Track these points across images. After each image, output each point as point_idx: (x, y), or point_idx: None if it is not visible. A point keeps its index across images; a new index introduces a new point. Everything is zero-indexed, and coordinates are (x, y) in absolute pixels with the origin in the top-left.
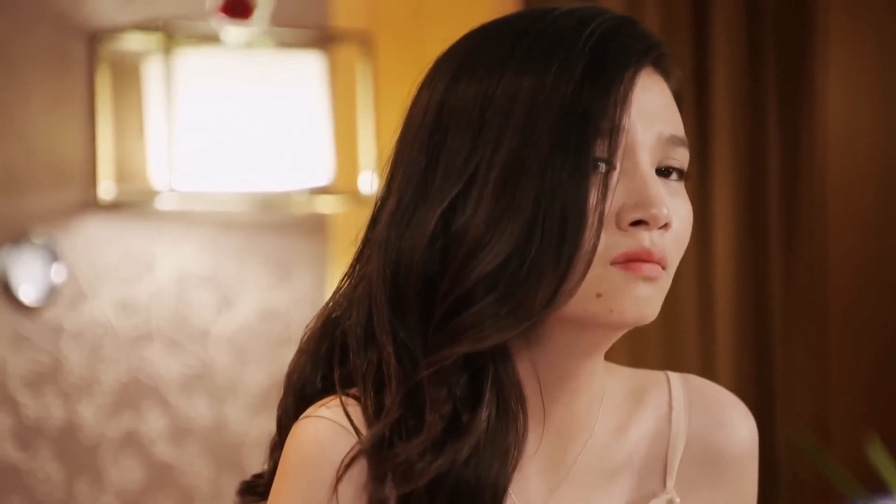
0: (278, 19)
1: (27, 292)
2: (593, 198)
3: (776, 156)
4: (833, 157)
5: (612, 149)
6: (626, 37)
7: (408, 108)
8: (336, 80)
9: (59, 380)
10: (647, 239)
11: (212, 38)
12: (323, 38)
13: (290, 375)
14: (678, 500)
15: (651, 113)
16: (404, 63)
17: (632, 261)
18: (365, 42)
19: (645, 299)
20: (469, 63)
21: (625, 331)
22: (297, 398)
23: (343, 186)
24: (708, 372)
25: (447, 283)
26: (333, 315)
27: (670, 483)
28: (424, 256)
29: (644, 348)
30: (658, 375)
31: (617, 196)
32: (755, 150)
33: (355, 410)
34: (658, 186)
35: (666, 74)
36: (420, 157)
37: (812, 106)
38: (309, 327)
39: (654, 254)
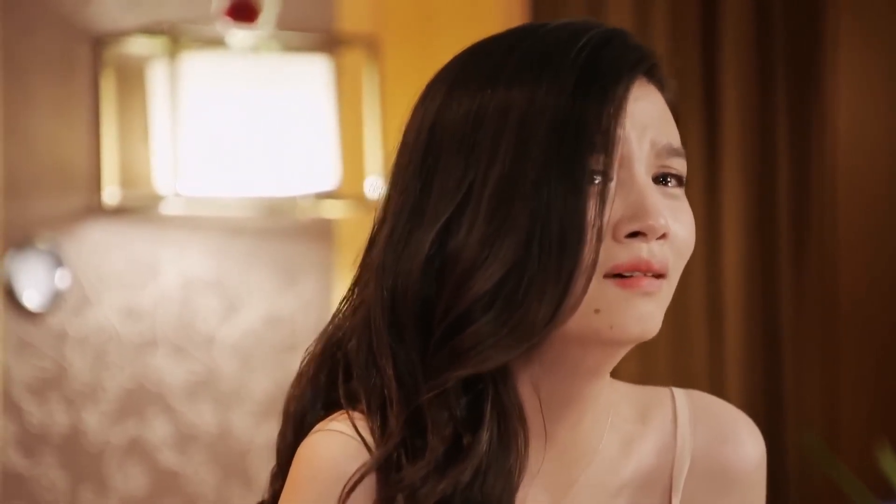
0: (284, 23)
1: (31, 298)
2: (591, 211)
3: (786, 160)
4: (842, 162)
5: (608, 161)
6: (617, 48)
7: (403, 130)
8: (342, 84)
9: (64, 386)
10: (644, 250)
11: (217, 42)
12: (329, 42)
13: (288, 404)
14: None
15: (645, 123)
16: (411, 67)
17: (632, 270)
18: (371, 46)
19: (646, 315)
20: (460, 81)
21: (628, 348)
22: (296, 428)
23: (349, 191)
24: (717, 377)
25: (444, 305)
26: (334, 338)
27: (676, 500)
28: (421, 279)
29: (653, 354)
30: (662, 391)
31: (614, 208)
32: (765, 154)
33: (364, 426)
34: (655, 197)
35: (660, 85)
36: (414, 180)
37: (821, 111)
38: (308, 351)
39: (654, 265)
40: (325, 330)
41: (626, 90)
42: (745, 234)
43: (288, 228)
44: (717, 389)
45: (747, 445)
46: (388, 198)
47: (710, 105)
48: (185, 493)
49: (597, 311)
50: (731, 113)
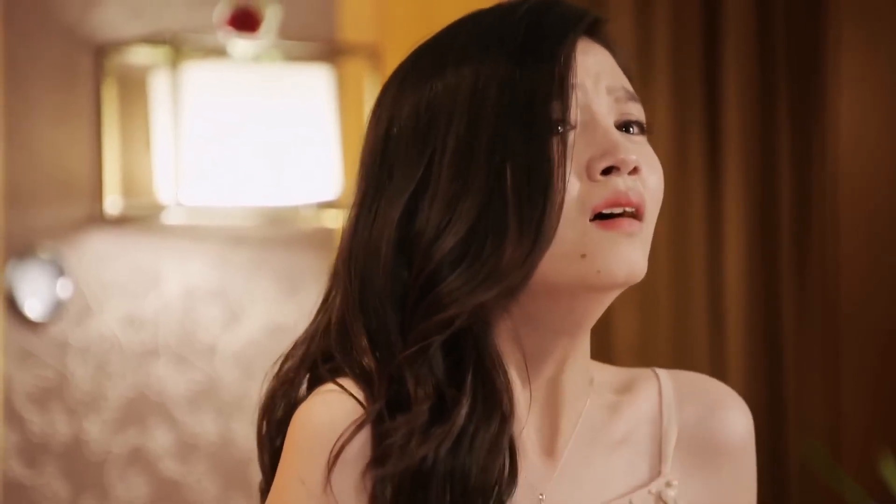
0: (286, 32)
1: (33, 307)
2: (555, 152)
3: (787, 165)
4: (844, 167)
5: (565, 107)
6: (557, 10)
7: (365, 133)
8: (344, 94)
9: (66, 396)
10: (620, 184)
11: (219, 52)
12: (331, 52)
13: (272, 399)
14: (675, 482)
15: (598, 72)
16: None
17: (612, 206)
18: (373, 55)
19: (630, 256)
20: (410, 75)
21: (614, 294)
22: (280, 421)
23: (351, 200)
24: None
25: (416, 270)
26: (316, 334)
27: (666, 468)
28: (391, 257)
29: (654, 359)
30: (645, 371)
31: (583, 151)
32: (766, 159)
33: (355, 388)
34: (621, 135)
35: (608, 47)
36: (377, 172)
37: (823, 116)
38: (293, 347)
39: (632, 197)
40: (307, 327)
41: (575, 42)
42: (746, 239)
43: (290, 238)
44: None
45: (735, 417)
46: (355, 195)
47: (711, 110)
48: (187, 502)
49: (583, 255)
50: (732, 118)
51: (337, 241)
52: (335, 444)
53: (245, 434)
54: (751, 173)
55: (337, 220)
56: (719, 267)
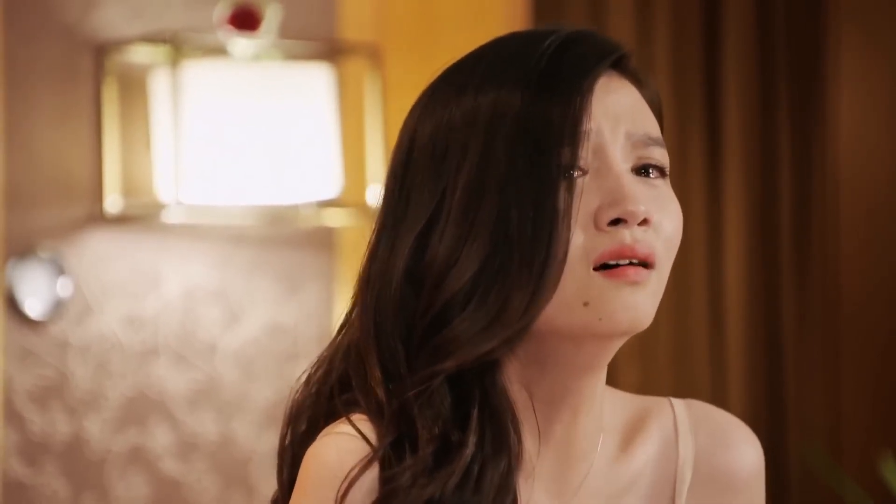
0: (286, 31)
1: (33, 307)
2: (561, 203)
3: (787, 167)
4: (844, 169)
5: (575, 153)
6: (583, 45)
7: (392, 152)
8: (344, 93)
9: (66, 395)
10: (627, 236)
11: (219, 51)
12: (331, 51)
13: (296, 410)
14: None
15: (618, 114)
16: (413, 75)
17: (616, 257)
18: (373, 54)
19: (634, 304)
20: (434, 99)
21: (621, 340)
22: (303, 434)
23: (351, 199)
24: (719, 385)
25: (422, 307)
26: (341, 348)
27: None
28: (401, 289)
29: (655, 363)
30: (661, 401)
31: (592, 198)
32: (766, 161)
33: (369, 427)
34: (633, 184)
35: (634, 80)
36: (395, 197)
37: (823, 118)
38: (318, 358)
39: (638, 250)
40: (333, 340)
41: (593, 83)
42: (746, 239)
43: (290, 237)
44: (719, 398)
45: (748, 452)
46: (377, 217)
47: (711, 110)
48: (187, 502)
49: (586, 304)
50: (732, 118)
51: (337, 240)
52: (341, 486)
53: (245, 434)
54: (751, 173)
55: (337, 219)
56: (719, 267)
